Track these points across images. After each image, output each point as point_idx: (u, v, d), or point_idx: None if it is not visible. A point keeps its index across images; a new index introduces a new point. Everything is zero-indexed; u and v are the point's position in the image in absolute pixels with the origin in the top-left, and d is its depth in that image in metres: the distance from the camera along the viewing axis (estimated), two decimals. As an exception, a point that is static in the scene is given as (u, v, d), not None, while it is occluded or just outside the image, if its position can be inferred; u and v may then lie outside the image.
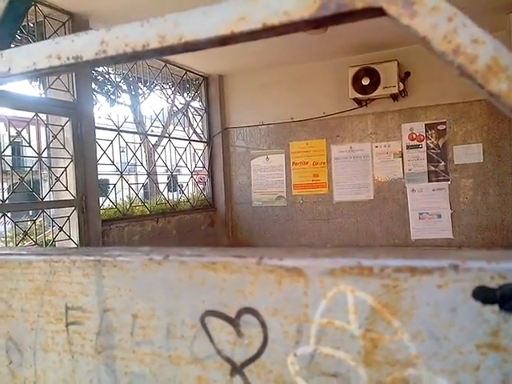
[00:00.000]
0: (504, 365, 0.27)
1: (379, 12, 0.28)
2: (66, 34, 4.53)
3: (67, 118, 4.46)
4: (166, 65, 5.92)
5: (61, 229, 4.38)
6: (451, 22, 0.27)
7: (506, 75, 0.26)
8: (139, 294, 0.28)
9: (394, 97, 5.53)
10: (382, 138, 5.76)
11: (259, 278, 0.25)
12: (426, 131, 5.65)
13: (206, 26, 0.24)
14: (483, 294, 0.26)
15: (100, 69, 6.04)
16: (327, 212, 6.01)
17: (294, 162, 6.17)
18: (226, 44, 0.25)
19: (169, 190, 6.44)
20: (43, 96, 4.44)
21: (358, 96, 5.52)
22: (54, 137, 4.37)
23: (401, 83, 5.44)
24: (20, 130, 4.24)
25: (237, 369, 0.25)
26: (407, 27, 0.28)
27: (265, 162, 6.31)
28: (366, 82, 5.46)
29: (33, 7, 4.07)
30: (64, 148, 4.45)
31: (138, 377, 0.27)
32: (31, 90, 5.27)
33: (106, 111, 5.74)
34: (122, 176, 5.47)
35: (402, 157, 5.67)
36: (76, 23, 4.56)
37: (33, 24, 4.22)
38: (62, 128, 4.45)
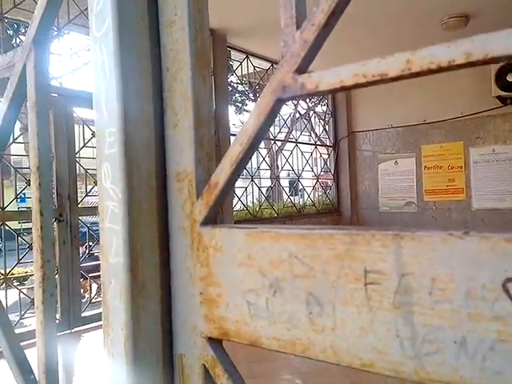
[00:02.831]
0: None
1: None
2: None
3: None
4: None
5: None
6: None
7: None
8: (438, 262, 0.34)
9: (548, 93, 4.92)
10: (532, 139, 5.16)
11: None
12: None
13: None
14: None
15: (229, 79, 6.44)
16: (464, 220, 5.57)
17: (425, 166, 5.85)
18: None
19: (290, 194, 6.61)
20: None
21: (502, 94, 5.04)
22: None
23: (557, 77, 4.82)
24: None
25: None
26: None
27: (393, 166, 6.10)
28: (511, 78, 4.96)
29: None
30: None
31: (437, 328, 0.34)
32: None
33: (233, 119, 6.15)
34: (252, 180, 5.81)
35: (556, 160, 5.00)
36: (216, 38, 5.00)
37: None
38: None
